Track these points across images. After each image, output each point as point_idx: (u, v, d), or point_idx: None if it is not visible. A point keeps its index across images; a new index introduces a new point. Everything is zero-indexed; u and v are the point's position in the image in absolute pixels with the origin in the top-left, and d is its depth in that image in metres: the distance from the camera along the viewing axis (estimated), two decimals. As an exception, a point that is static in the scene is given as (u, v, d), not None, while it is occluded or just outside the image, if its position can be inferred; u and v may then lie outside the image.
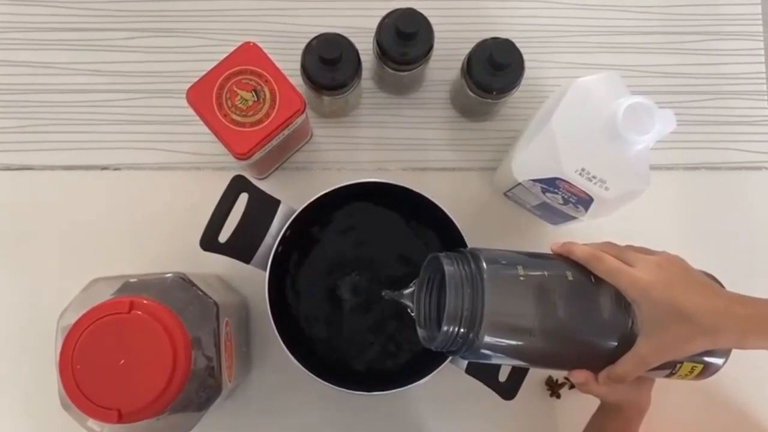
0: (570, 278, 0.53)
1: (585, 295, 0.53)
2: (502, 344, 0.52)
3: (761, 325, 0.50)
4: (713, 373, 0.56)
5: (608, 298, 0.53)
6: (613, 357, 0.53)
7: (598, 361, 0.54)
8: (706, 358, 0.55)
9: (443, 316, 0.51)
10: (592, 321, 0.53)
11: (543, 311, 0.51)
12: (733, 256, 0.76)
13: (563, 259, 0.55)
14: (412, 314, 0.60)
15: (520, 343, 0.52)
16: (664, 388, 0.62)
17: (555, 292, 0.52)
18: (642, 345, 0.51)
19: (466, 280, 0.51)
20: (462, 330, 0.51)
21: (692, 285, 0.52)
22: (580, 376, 0.54)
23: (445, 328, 0.51)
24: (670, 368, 0.55)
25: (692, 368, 0.55)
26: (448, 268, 0.52)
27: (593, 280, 0.53)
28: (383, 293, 0.66)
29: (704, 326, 0.49)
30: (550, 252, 0.56)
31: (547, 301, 0.52)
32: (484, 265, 0.51)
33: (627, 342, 0.52)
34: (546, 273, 0.53)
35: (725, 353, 0.56)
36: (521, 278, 0.52)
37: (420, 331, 0.58)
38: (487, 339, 0.50)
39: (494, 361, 0.54)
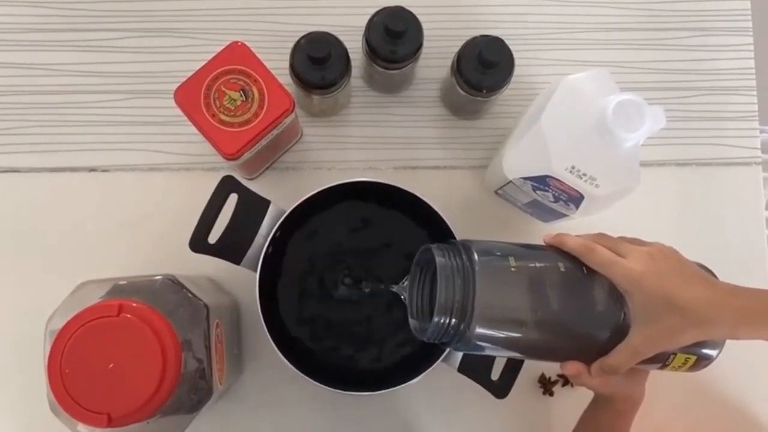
0: (562, 269, 0.53)
1: (577, 287, 0.53)
2: (494, 335, 0.51)
3: (754, 316, 0.50)
4: (707, 364, 0.56)
5: (601, 289, 0.53)
6: (605, 348, 0.53)
7: (591, 352, 0.54)
8: (700, 350, 0.55)
9: (435, 307, 0.51)
10: (584, 312, 0.53)
11: (534, 302, 0.51)
12: (723, 251, 0.76)
13: (555, 250, 0.55)
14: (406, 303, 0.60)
15: (511, 334, 0.52)
16: (658, 381, 0.62)
17: (546, 283, 0.52)
18: (634, 336, 0.51)
19: (457, 272, 0.51)
20: (453, 321, 0.51)
21: (684, 276, 0.52)
22: (572, 367, 0.54)
23: (436, 319, 0.51)
24: (663, 360, 0.55)
25: (686, 359, 0.55)
26: (440, 259, 0.52)
27: (585, 271, 0.53)
28: (367, 286, 0.66)
29: (697, 317, 0.49)
30: (543, 243, 0.56)
31: (538, 293, 0.52)
32: (476, 256, 0.51)
33: (619, 333, 0.52)
34: (538, 264, 0.53)
35: (719, 344, 0.56)
36: (513, 269, 0.52)
37: (412, 322, 0.58)
38: (479, 330, 0.50)
39: (487, 352, 0.54)
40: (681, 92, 0.81)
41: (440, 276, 0.51)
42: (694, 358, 0.55)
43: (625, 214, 0.68)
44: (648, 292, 0.50)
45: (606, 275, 0.52)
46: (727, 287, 0.52)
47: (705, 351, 0.55)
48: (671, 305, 0.49)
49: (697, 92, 0.81)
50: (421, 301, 0.58)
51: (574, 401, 0.64)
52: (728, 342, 0.56)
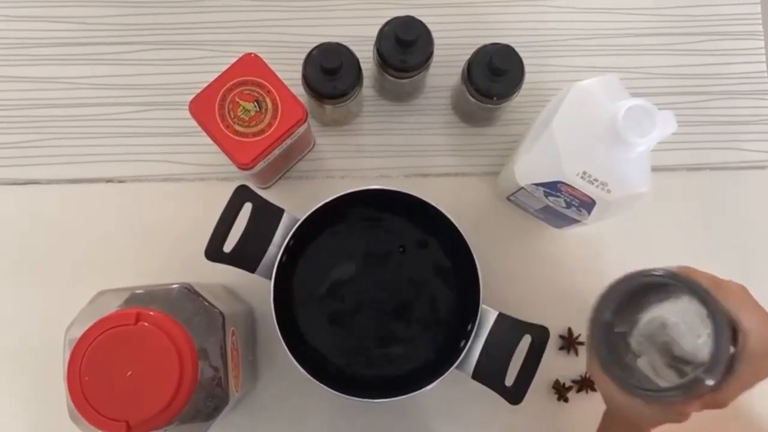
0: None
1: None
2: None
3: None
4: None
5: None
6: None
7: None
8: None
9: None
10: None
11: None
12: (739, 255, 0.76)
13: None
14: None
15: None
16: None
17: None
18: (744, 372, 0.51)
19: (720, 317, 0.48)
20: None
21: None
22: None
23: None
24: None
25: None
26: (712, 306, 0.48)
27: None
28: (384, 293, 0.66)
29: None
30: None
31: None
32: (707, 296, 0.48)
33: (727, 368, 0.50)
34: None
35: None
36: None
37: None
38: None
39: None
40: (692, 97, 0.81)
41: (717, 324, 0.48)
42: None
43: (638, 219, 0.68)
44: (763, 332, 0.51)
45: (732, 311, 0.50)
46: None
47: None
48: None
49: (709, 97, 0.81)
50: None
51: (588, 408, 0.64)
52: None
